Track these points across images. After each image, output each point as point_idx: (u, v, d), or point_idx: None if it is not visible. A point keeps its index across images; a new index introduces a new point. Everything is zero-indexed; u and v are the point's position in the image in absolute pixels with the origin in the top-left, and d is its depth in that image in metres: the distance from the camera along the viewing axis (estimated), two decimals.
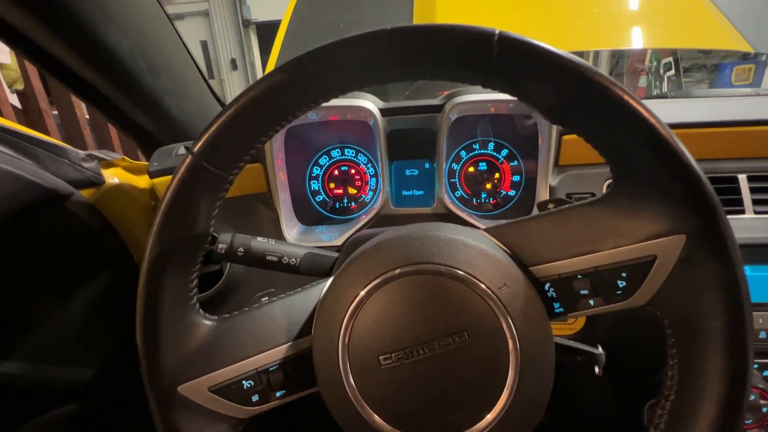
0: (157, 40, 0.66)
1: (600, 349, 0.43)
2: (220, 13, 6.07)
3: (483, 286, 0.29)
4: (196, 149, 0.29)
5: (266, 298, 0.36)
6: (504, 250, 0.32)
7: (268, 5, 5.81)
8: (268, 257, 0.46)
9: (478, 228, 0.34)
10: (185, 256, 0.31)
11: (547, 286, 0.31)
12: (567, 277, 0.31)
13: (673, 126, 0.26)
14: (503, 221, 0.33)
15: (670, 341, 0.29)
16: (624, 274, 0.29)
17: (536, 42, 0.26)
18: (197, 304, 0.34)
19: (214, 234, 0.41)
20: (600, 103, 0.27)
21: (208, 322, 0.34)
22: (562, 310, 0.32)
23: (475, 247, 0.30)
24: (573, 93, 0.27)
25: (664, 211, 0.28)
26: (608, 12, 1.18)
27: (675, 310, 0.29)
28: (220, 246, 0.46)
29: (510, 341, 0.28)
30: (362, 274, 0.30)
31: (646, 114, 0.26)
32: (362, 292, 0.30)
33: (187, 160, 0.29)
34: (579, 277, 0.31)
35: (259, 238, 0.47)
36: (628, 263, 0.29)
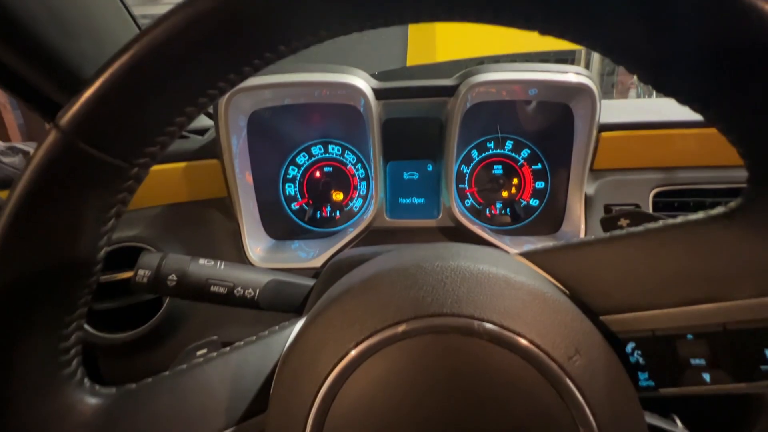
0: None
1: (678, 422, 0.35)
2: None
3: (544, 356, 0.20)
4: (64, 121, 0.19)
5: (204, 350, 0.29)
6: (561, 290, 0.24)
7: None
8: (214, 288, 0.36)
9: (504, 250, 0.27)
10: (54, 295, 0.22)
11: (630, 347, 0.24)
12: (667, 337, 0.23)
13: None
14: (551, 244, 0.25)
15: None
16: None
17: None
18: (79, 371, 0.24)
19: (148, 247, 0.30)
20: (749, 50, 0.17)
21: (95, 401, 0.24)
22: (651, 383, 0.24)
23: (525, 288, 0.22)
24: (696, 33, 0.17)
25: None
26: None
27: None
28: (141, 272, 0.36)
29: None
30: (347, 328, 0.22)
31: None
32: (346, 358, 0.21)
33: (50, 138, 0.20)
34: (689, 337, 0.23)
35: (202, 260, 0.37)
36: None
